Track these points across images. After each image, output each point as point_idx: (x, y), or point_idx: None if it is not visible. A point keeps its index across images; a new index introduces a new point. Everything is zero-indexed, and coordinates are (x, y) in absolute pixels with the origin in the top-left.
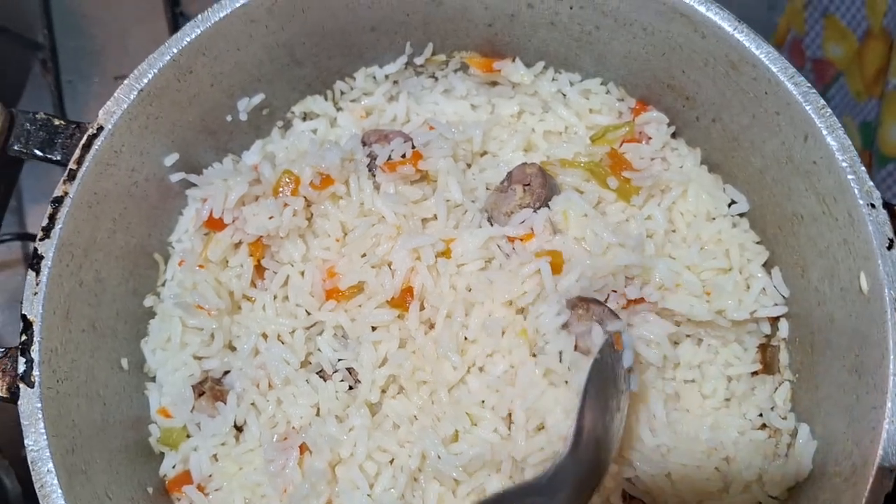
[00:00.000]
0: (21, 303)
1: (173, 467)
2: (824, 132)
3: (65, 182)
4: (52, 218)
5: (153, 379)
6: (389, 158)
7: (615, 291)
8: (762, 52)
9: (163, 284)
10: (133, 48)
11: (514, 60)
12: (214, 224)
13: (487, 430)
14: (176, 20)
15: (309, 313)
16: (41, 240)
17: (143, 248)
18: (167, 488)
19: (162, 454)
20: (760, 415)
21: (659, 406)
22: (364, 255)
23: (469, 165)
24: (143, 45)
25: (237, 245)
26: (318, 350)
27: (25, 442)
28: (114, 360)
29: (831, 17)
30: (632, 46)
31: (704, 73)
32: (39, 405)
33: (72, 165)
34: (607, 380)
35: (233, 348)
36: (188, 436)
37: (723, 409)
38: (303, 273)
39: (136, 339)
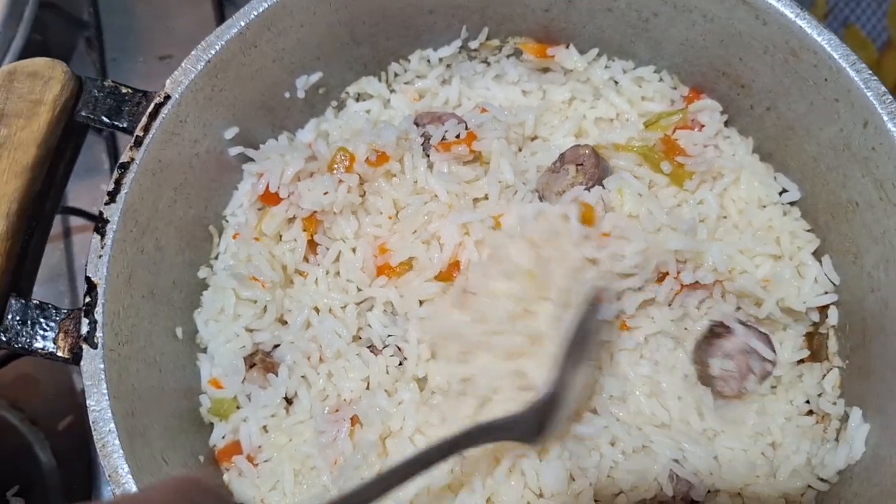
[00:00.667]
0: (85, 265)
1: (223, 437)
2: (885, 119)
3: (131, 148)
4: (118, 183)
5: (205, 350)
6: (443, 139)
7: (667, 274)
8: (824, 38)
9: (216, 258)
10: (178, 29)
11: (567, 47)
12: (270, 198)
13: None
14: (220, 2)
15: (360, 289)
16: (107, 204)
17: (199, 220)
18: (217, 458)
19: (212, 424)
20: (807, 402)
21: (707, 392)
22: (415, 232)
23: (520, 149)
24: (188, 26)
25: (291, 220)
26: (369, 326)
27: (88, 402)
28: (169, 328)
29: (851, 27)
30: (689, 34)
31: (763, 60)
32: (102, 366)
33: (138, 132)
34: (586, 334)
35: (284, 322)
36: (238, 407)
37: (769, 395)
38: (355, 249)
39: (190, 309)
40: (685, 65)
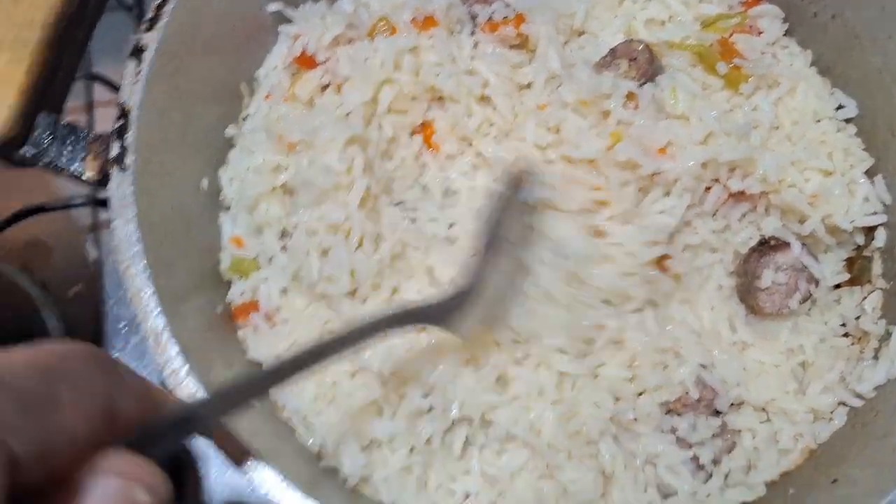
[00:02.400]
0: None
1: (241, 294)
2: None
3: None
4: (157, 11)
5: (227, 209)
6: (490, 19)
7: (717, 181)
8: None
9: (244, 118)
10: None
11: None
12: (306, 61)
13: None
14: None
15: None
16: (146, 31)
17: (232, 75)
18: (233, 314)
19: (229, 283)
20: (844, 325)
21: (740, 305)
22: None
23: (566, 42)
24: None
25: (325, 87)
26: None
27: (113, 225)
28: (195, 177)
29: None
30: None
31: None
32: (131, 189)
33: None
34: (507, 219)
35: None
36: (258, 268)
37: (803, 315)
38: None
39: (216, 165)
40: None
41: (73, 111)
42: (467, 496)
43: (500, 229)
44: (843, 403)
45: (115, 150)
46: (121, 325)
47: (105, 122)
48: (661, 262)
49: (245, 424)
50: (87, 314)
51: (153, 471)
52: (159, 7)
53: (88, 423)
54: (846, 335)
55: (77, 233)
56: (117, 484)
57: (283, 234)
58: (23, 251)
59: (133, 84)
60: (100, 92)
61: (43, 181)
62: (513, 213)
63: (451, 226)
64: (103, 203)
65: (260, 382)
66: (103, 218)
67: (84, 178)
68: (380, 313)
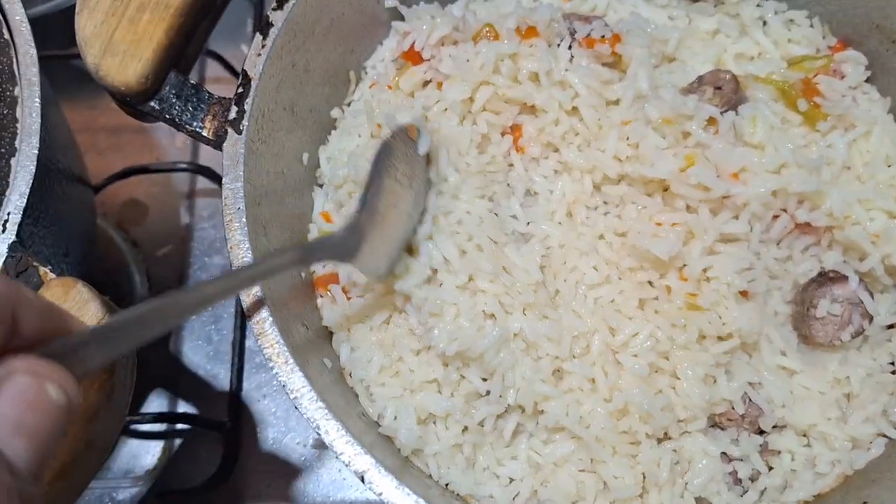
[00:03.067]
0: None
1: (323, 266)
2: None
3: None
4: None
5: (321, 186)
6: (588, 35)
7: (785, 211)
8: None
9: (348, 104)
10: None
11: None
12: (412, 56)
13: None
14: None
15: None
16: (274, 10)
17: (343, 61)
18: (314, 283)
19: None
20: (892, 363)
21: (793, 333)
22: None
23: (656, 66)
24: None
25: (427, 83)
26: None
27: (224, 180)
28: (298, 150)
29: None
30: None
31: None
32: (243, 151)
33: None
34: (395, 160)
35: None
36: None
37: (854, 350)
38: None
39: (317, 142)
40: (839, 13)
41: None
42: (511, 481)
43: (390, 171)
44: (882, 434)
45: (232, 114)
46: None
47: None
48: None
49: (316, 379)
50: (172, 275)
51: (64, 372)
52: None
53: None
54: (893, 373)
55: (174, 198)
56: (28, 380)
57: None
58: (121, 208)
59: (257, 55)
60: (213, 69)
61: (148, 145)
62: (403, 160)
63: (528, 223)
64: (204, 171)
65: (171, 311)
66: (200, 186)
67: (203, 135)
68: (279, 251)
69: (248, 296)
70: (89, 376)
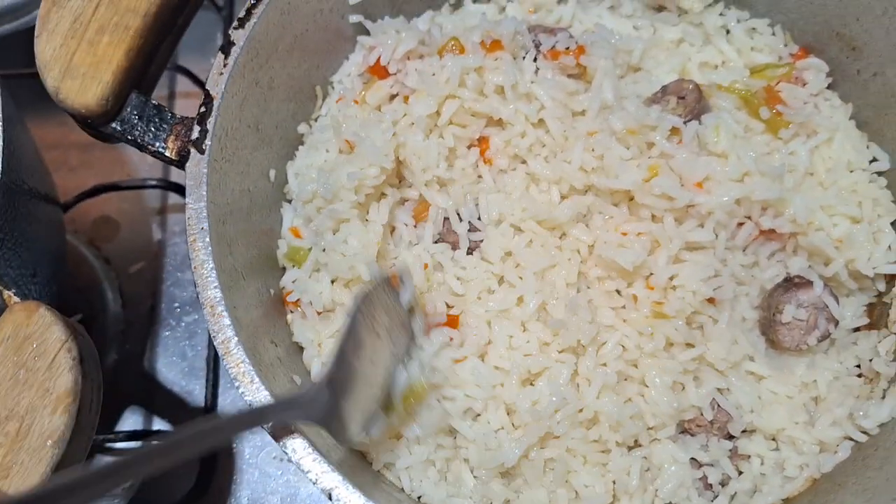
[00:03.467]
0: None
1: (293, 282)
2: None
3: None
4: (248, 11)
5: (289, 201)
6: (553, 48)
7: (749, 219)
8: None
9: (316, 119)
10: None
11: None
12: (378, 71)
13: None
14: None
15: None
16: (236, 28)
17: (308, 77)
18: (284, 299)
19: (284, 269)
20: (858, 366)
21: (761, 338)
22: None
23: (622, 77)
24: None
25: (393, 97)
26: None
27: (187, 200)
28: (265, 168)
29: None
30: None
31: (880, 22)
32: (206, 171)
33: None
34: (376, 311)
35: None
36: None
37: (821, 354)
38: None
39: (285, 159)
40: (800, 21)
41: (156, 99)
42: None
43: (369, 324)
44: (848, 438)
45: (195, 133)
46: (175, 305)
47: (184, 111)
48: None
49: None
50: (145, 291)
51: None
52: (251, 8)
53: None
54: (859, 375)
55: (145, 214)
56: None
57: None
58: (92, 225)
59: (219, 75)
60: (182, 83)
61: (119, 161)
62: (383, 310)
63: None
64: (174, 187)
65: (104, 478)
66: (171, 202)
67: (165, 156)
68: (244, 411)
69: (213, 314)
70: None
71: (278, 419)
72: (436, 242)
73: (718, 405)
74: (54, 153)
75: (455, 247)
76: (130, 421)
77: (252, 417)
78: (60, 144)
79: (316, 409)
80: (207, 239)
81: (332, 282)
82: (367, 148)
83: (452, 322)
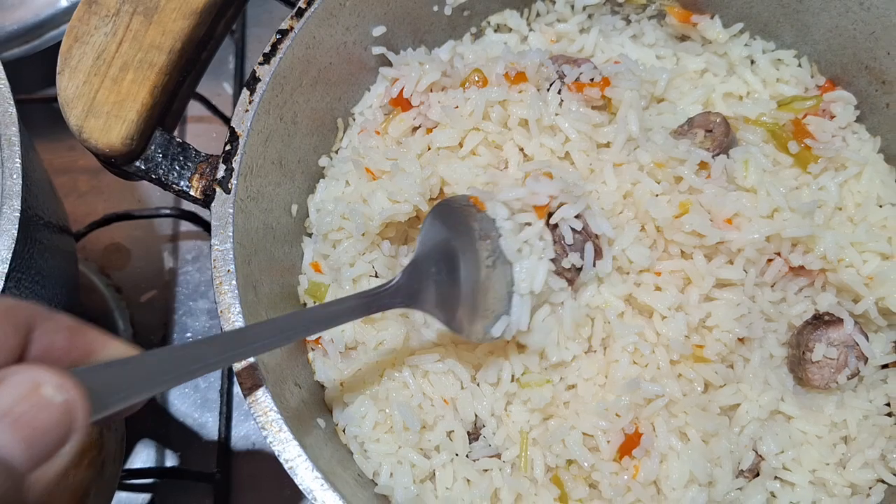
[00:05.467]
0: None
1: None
2: None
3: (292, 18)
4: (274, 47)
5: (310, 235)
6: (577, 79)
7: (779, 255)
8: None
9: (336, 151)
10: None
11: (713, 17)
12: (401, 103)
13: None
14: None
15: None
16: (261, 64)
17: (331, 110)
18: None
19: (305, 304)
20: (888, 404)
21: (790, 378)
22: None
23: (646, 108)
24: None
25: (415, 129)
26: None
27: (213, 242)
28: (287, 203)
29: None
30: (841, 21)
31: None
32: (231, 210)
33: (301, 4)
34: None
35: None
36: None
37: (849, 392)
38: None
39: (306, 192)
40: (828, 53)
41: None
42: None
43: (456, 225)
44: (881, 480)
45: (220, 172)
46: (188, 335)
47: (196, 136)
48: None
49: (311, 443)
50: (156, 320)
51: (66, 376)
52: (276, 43)
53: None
54: (889, 414)
55: (157, 241)
56: (23, 378)
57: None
58: (103, 253)
59: (245, 112)
60: (194, 108)
61: (129, 186)
62: (473, 219)
63: None
64: (187, 216)
65: (221, 351)
66: (184, 229)
67: (190, 195)
68: (342, 300)
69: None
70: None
71: (375, 307)
72: None
73: (755, 451)
74: (63, 179)
75: None
76: (143, 454)
77: (351, 309)
78: (70, 170)
79: (403, 295)
80: (234, 282)
81: None
82: (400, 179)
83: None
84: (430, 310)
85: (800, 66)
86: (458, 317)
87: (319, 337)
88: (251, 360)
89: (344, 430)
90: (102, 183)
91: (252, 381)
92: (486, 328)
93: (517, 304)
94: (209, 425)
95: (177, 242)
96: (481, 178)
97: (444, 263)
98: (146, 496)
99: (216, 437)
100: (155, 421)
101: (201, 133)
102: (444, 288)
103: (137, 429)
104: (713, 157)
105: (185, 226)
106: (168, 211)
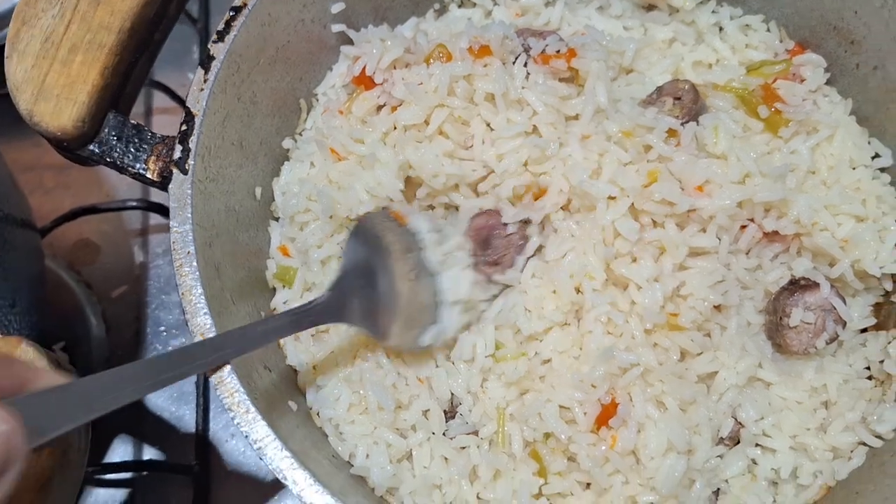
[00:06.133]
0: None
1: (284, 303)
2: None
3: None
4: (228, 24)
5: (277, 219)
6: (543, 51)
7: (752, 221)
8: None
9: (300, 133)
10: None
11: None
12: (364, 81)
13: None
14: None
15: None
16: (215, 42)
17: (292, 90)
18: None
19: (274, 289)
20: (868, 368)
21: (767, 343)
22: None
23: (614, 79)
24: None
25: (380, 107)
26: None
27: (171, 224)
28: (250, 185)
29: None
30: None
31: (879, 14)
32: (189, 191)
33: None
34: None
35: None
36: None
37: (829, 356)
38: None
39: (271, 175)
40: (795, 17)
41: (132, 117)
42: None
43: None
44: (862, 443)
45: (177, 153)
46: (161, 329)
47: (162, 128)
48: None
49: (282, 425)
50: (129, 315)
51: (2, 407)
52: (230, 20)
53: None
54: (870, 377)
55: (126, 235)
56: None
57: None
58: (71, 249)
59: (199, 91)
60: (159, 99)
61: (96, 181)
62: (393, 233)
63: None
64: (155, 207)
65: (140, 378)
66: (153, 223)
67: (146, 177)
68: (273, 319)
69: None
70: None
71: (306, 323)
72: None
73: (734, 418)
74: (29, 175)
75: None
76: (120, 450)
77: (280, 327)
78: (35, 166)
79: (330, 311)
80: (195, 263)
81: None
82: (379, 172)
83: None
84: (357, 323)
85: (768, 30)
86: (385, 328)
87: None
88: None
89: (318, 414)
90: (69, 179)
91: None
92: (415, 338)
93: (445, 313)
94: (186, 418)
95: (146, 236)
96: (447, 168)
97: (368, 279)
98: (125, 491)
99: (194, 430)
100: (131, 416)
101: (167, 123)
102: (369, 302)
103: (114, 424)
104: (682, 124)
105: (155, 219)
106: (135, 203)
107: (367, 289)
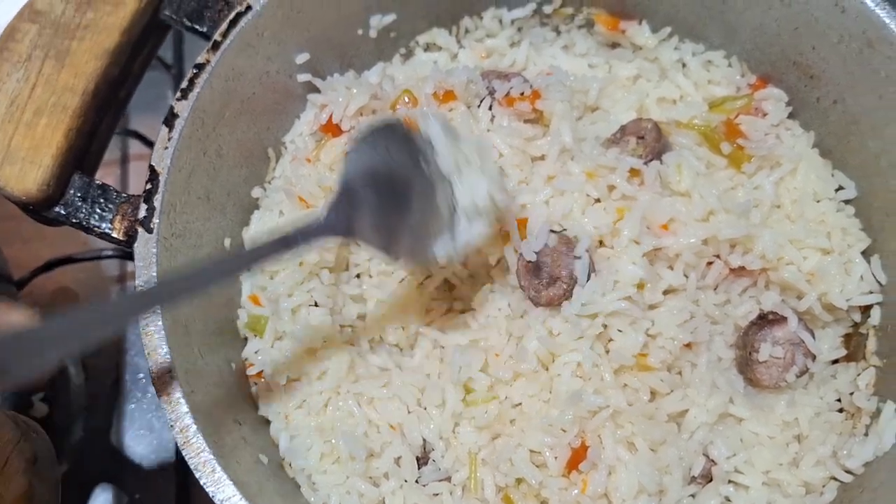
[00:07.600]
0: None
1: (256, 353)
2: None
3: (208, 51)
4: (191, 81)
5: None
6: (508, 94)
7: (718, 258)
8: None
9: (270, 181)
10: None
11: (640, 23)
12: (331, 129)
13: None
14: None
15: None
16: (178, 100)
17: (259, 140)
18: (244, 373)
19: (245, 339)
20: (838, 400)
21: (738, 378)
22: None
23: (580, 118)
24: None
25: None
26: None
27: (136, 283)
28: (219, 237)
29: None
30: (764, 19)
31: (836, 50)
32: (155, 250)
33: (217, 37)
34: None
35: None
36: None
37: (800, 389)
38: None
39: (240, 225)
40: (756, 52)
41: (108, 164)
42: None
43: (390, 147)
44: (833, 478)
45: (142, 212)
46: (140, 376)
47: (139, 176)
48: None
49: (251, 481)
50: (108, 362)
51: None
52: (193, 78)
53: None
54: (841, 410)
55: (104, 283)
56: None
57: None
58: (50, 298)
59: (164, 149)
60: (135, 146)
61: (74, 232)
62: (400, 143)
63: None
64: (132, 255)
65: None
66: (131, 269)
67: (112, 237)
68: (272, 235)
69: (170, 402)
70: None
71: (305, 241)
72: None
73: (706, 455)
74: (7, 225)
75: None
76: (101, 499)
77: (278, 245)
78: (14, 216)
79: (337, 225)
80: (160, 322)
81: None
82: None
83: None
84: (365, 237)
85: (730, 65)
86: (397, 243)
87: (261, 371)
88: (181, 398)
89: (290, 465)
90: (47, 228)
91: (183, 423)
92: (427, 250)
93: (462, 223)
94: (167, 466)
95: (124, 283)
96: None
97: (378, 188)
98: None
99: (174, 478)
100: (112, 464)
101: (143, 172)
102: (379, 213)
103: (94, 473)
104: (645, 163)
105: (132, 266)
106: (111, 252)
107: (377, 199)
